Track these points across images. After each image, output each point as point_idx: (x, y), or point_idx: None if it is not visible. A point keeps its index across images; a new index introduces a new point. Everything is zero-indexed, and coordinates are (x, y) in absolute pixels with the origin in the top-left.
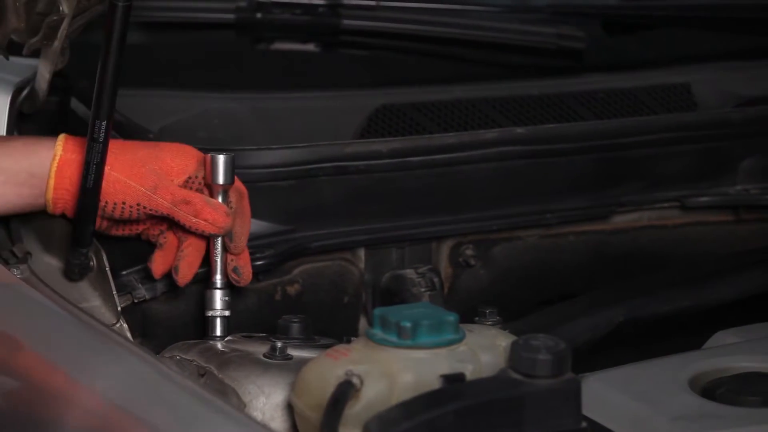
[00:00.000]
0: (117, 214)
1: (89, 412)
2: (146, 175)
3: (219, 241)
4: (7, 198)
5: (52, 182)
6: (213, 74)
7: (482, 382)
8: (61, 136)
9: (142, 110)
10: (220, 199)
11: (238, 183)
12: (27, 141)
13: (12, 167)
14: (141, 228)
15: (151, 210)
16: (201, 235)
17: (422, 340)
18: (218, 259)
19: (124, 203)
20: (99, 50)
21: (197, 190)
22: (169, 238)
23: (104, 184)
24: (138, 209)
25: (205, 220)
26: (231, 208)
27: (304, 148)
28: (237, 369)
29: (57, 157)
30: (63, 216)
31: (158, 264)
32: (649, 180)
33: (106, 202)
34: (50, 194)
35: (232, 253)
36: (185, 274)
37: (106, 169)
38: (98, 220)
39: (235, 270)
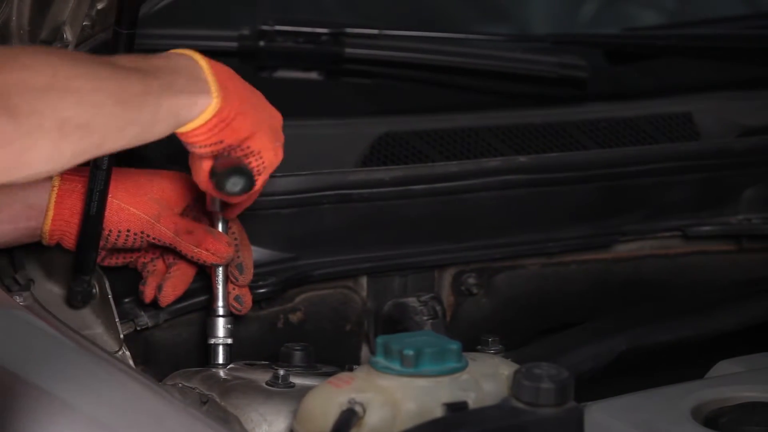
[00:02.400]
0: (120, 242)
1: None
2: (149, 203)
3: (221, 269)
4: (3, 231)
5: (50, 213)
6: None
7: (485, 410)
8: None
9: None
10: (220, 227)
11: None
12: None
13: (7, 200)
14: (135, 256)
15: (154, 239)
16: (197, 264)
17: (425, 368)
18: (220, 287)
19: (128, 231)
20: None
21: (195, 219)
22: (158, 265)
23: (108, 211)
24: (142, 237)
25: (207, 250)
26: (235, 238)
27: (307, 176)
28: (239, 397)
29: (56, 188)
30: (58, 246)
31: (151, 288)
32: (651, 209)
33: (110, 230)
34: (47, 225)
35: (238, 285)
36: (167, 294)
37: (109, 197)
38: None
39: (237, 299)
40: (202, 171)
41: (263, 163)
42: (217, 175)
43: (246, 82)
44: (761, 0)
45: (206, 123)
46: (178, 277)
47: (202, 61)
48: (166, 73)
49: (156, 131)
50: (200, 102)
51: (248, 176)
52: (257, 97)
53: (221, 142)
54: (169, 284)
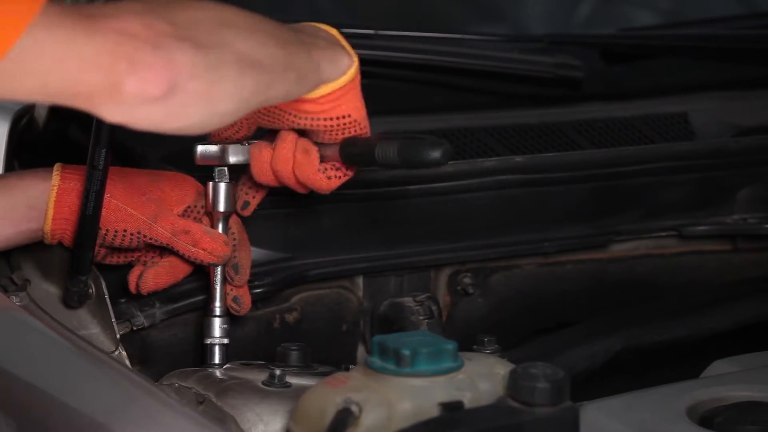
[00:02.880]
0: (117, 242)
1: None
2: (146, 203)
3: (219, 269)
4: (5, 235)
5: (50, 212)
6: None
7: (480, 410)
8: (57, 166)
9: (142, 138)
10: (220, 227)
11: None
12: (21, 175)
13: (8, 203)
14: (136, 255)
15: (150, 239)
16: (195, 264)
17: (421, 368)
18: (218, 288)
19: (125, 231)
20: None
21: (196, 220)
22: (156, 260)
23: (105, 211)
24: (138, 237)
25: (203, 250)
26: (234, 238)
27: None
28: (236, 397)
29: (55, 187)
30: (60, 245)
31: (134, 275)
32: (646, 209)
33: (107, 230)
34: (48, 225)
35: (235, 285)
36: (146, 281)
37: (106, 196)
38: (96, 248)
39: (235, 300)
40: (312, 157)
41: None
42: (406, 148)
43: None
44: (757, 0)
45: (345, 86)
46: (164, 267)
47: (334, 31)
48: (308, 32)
49: (306, 83)
50: (343, 62)
51: (445, 147)
52: None
53: (348, 116)
54: (151, 272)
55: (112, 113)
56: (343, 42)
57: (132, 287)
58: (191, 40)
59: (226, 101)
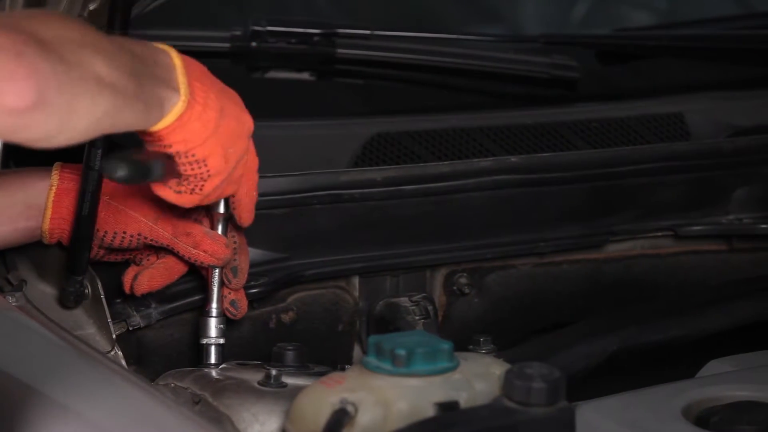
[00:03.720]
0: (117, 243)
1: None
2: (147, 205)
3: (216, 271)
4: (2, 232)
5: (48, 212)
6: None
7: (476, 410)
8: (56, 165)
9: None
10: (220, 228)
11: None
12: (20, 173)
13: (7, 202)
14: (134, 254)
15: (151, 240)
16: (191, 264)
17: (417, 368)
18: (215, 289)
19: (125, 233)
20: None
21: (196, 221)
22: (152, 260)
23: (105, 213)
24: (139, 239)
25: (204, 251)
26: (234, 241)
27: (299, 177)
28: (232, 397)
29: (54, 187)
30: (59, 244)
31: (129, 276)
32: (642, 209)
33: (106, 232)
34: (46, 225)
35: (232, 288)
36: (141, 283)
37: (106, 198)
38: (95, 249)
39: (232, 303)
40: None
41: (208, 170)
42: (111, 158)
43: (219, 84)
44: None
45: (167, 126)
46: (159, 269)
47: (177, 60)
48: (149, 62)
49: (149, 119)
50: (169, 102)
51: (133, 169)
52: (227, 100)
53: (170, 146)
54: (146, 274)
55: None
56: (180, 75)
57: (127, 288)
58: (58, 56)
59: (82, 117)
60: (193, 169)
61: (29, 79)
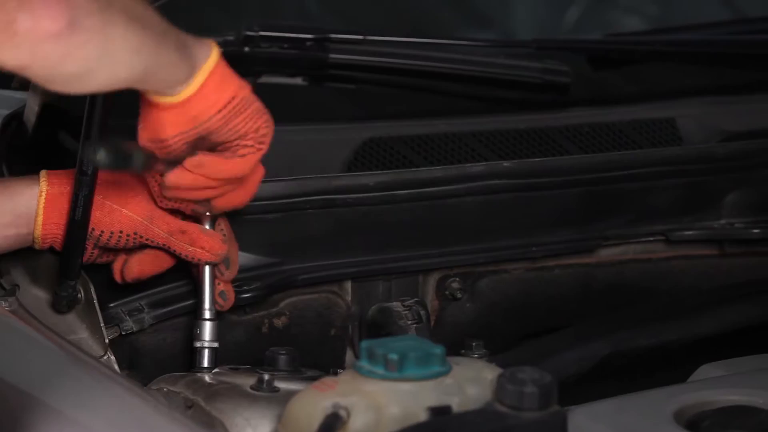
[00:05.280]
0: (112, 243)
1: None
2: (141, 204)
3: (208, 272)
4: None
5: (40, 219)
6: None
7: (468, 414)
8: (43, 173)
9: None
10: (207, 227)
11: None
12: (5, 182)
13: None
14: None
15: (147, 239)
16: (182, 260)
17: (409, 372)
18: (207, 289)
19: (120, 232)
20: None
21: (184, 218)
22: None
23: (99, 213)
24: (134, 238)
25: (201, 248)
26: (224, 234)
27: (292, 182)
28: (224, 401)
29: (44, 193)
30: (51, 249)
31: (119, 262)
32: (634, 214)
33: (102, 232)
34: (38, 231)
35: (225, 280)
36: (131, 268)
37: (100, 198)
38: (89, 249)
39: (221, 294)
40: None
41: (264, 120)
42: (94, 143)
43: (248, 92)
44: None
45: (180, 102)
46: (149, 255)
47: (214, 50)
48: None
49: (187, 62)
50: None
51: (114, 154)
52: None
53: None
54: (135, 259)
55: (12, 56)
56: (212, 61)
57: (117, 276)
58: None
59: (118, 47)
60: (250, 120)
61: (61, 2)
